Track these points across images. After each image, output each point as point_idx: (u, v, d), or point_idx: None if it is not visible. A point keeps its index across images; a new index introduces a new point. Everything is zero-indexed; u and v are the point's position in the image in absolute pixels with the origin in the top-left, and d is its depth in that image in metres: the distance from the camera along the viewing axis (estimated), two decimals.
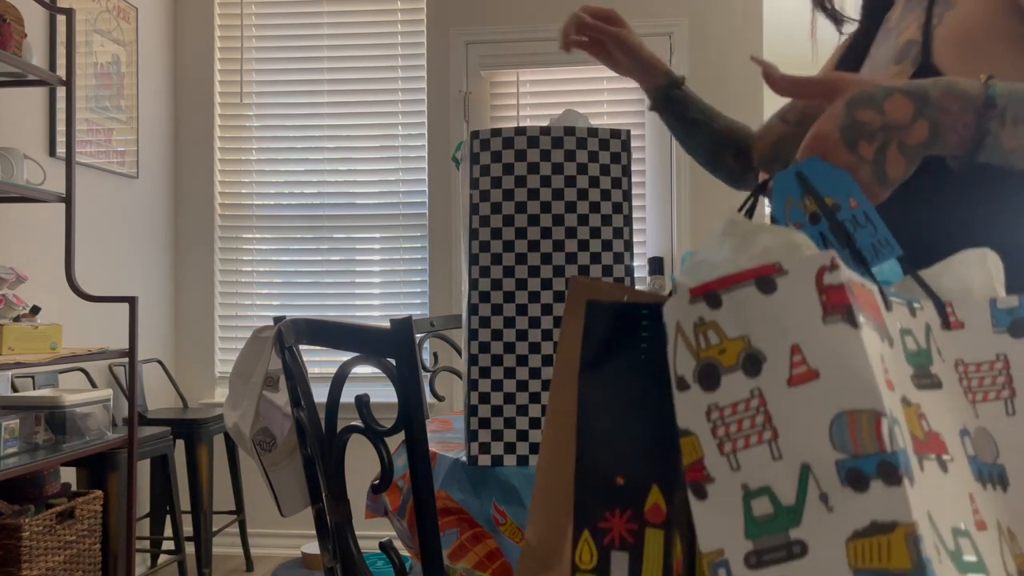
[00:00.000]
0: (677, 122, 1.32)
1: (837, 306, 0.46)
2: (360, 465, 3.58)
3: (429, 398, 2.64)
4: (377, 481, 0.99)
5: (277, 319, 1.23)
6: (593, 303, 0.57)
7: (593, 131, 1.10)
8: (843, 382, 0.45)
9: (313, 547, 3.35)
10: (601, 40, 1.27)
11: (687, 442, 0.49)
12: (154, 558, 3.26)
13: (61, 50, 2.91)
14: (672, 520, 0.54)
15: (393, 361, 0.90)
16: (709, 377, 0.49)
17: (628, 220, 1.10)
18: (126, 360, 3.15)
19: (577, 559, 0.55)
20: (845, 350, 0.45)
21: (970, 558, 0.47)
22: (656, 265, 3.49)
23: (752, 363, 0.47)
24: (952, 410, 0.57)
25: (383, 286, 3.70)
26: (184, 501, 3.59)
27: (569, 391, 0.59)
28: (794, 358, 0.46)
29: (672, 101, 1.31)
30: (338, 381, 0.99)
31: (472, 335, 1.09)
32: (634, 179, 3.54)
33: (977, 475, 0.56)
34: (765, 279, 0.48)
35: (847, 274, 0.48)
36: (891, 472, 0.43)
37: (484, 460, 1.09)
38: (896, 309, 0.55)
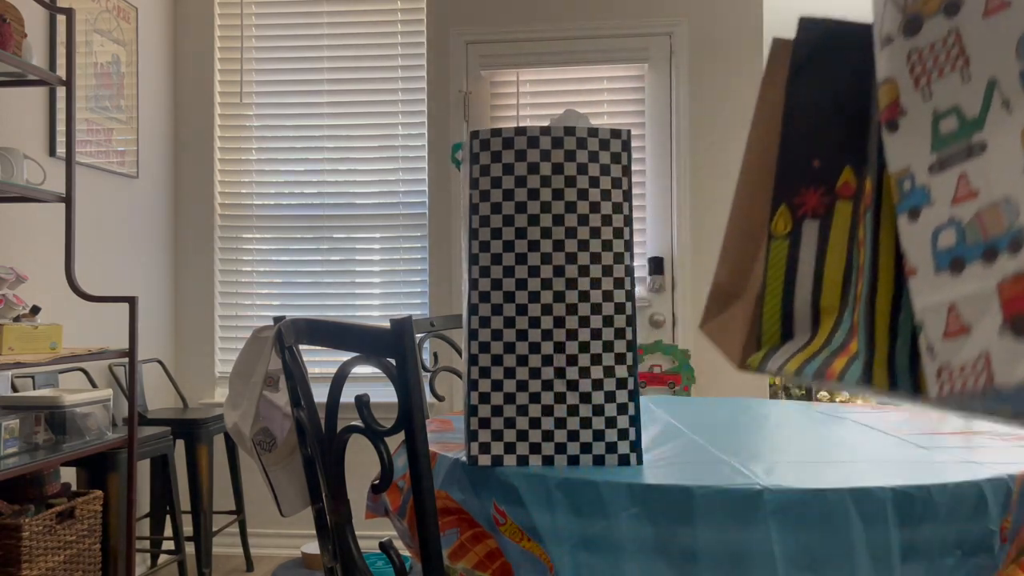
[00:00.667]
0: None
1: None
2: (360, 465, 3.58)
3: (429, 398, 2.64)
4: (377, 481, 0.99)
5: (277, 319, 1.23)
6: (806, 18, 0.68)
7: (593, 131, 1.10)
8: None
9: (313, 547, 3.34)
10: None
11: (885, 89, 0.55)
12: (154, 558, 3.26)
13: (61, 50, 2.91)
14: (859, 191, 0.64)
15: (393, 361, 0.90)
16: (912, 24, 0.55)
17: (628, 220, 1.10)
18: (126, 360, 3.15)
19: (773, 228, 0.66)
20: None
21: None
22: (656, 265, 3.49)
23: (952, 6, 0.52)
24: None
25: (383, 286, 3.70)
26: (184, 501, 3.59)
27: (773, 107, 0.69)
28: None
29: None
30: (338, 381, 0.99)
31: (472, 335, 1.09)
32: (634, 179, 3.54)
33: None
34: None
35: None
36: None
37: (484, 460, 1.09)
38: None
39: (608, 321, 1.09)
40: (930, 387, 0.47)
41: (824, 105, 0.66)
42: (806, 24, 0.68)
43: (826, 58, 0.67)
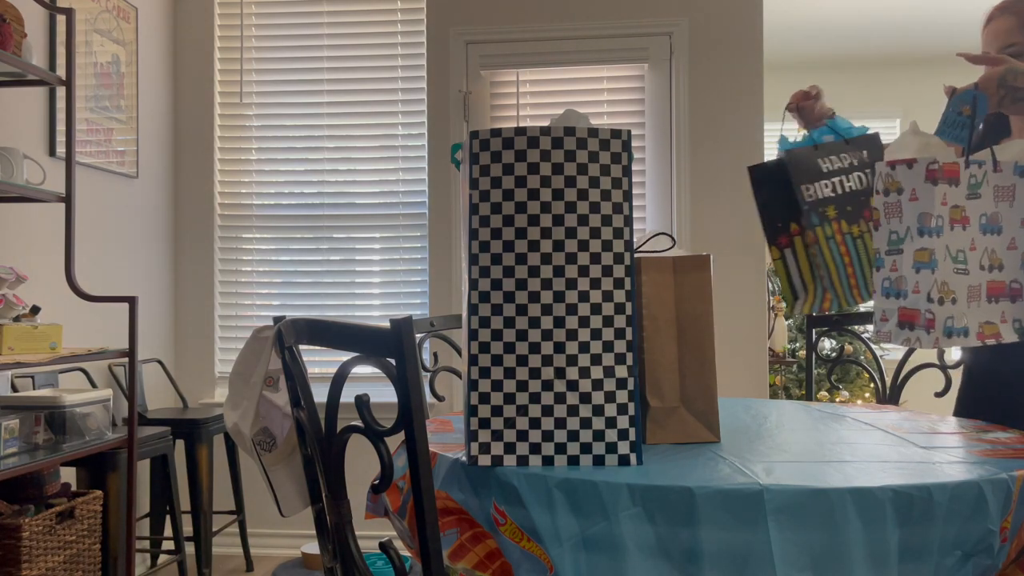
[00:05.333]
0: None
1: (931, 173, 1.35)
2: (360, 465, 3.58)
3: (429, 398, 2.64)
4: (377, 481, 0.99)
5: (277, 319, 1.23)
6: (752, 166, 1.69)
7: (593, 131, 1.10)
8: None
9: (313, 547, 3.34)
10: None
11: (876, 212, 1.46)
12: (154, 558, 3.26)
13: (61, 50, 2.91)
14: (801, 232, 1.67)
15: (393, 361, 0.90)
16: (887, 191, 1.41)
17: (628, 220, 1.10)
18: (126, 360, 3.15)
19: (772, 256, 1.65)
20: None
21: None
22: None
23: (900, 190, 1.36)
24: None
25: (383, 286, 3.70)
26: (184, 501, 3.59)
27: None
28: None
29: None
30: (338, 381, 0.99)
31: (472, 335, 1.09)
32: (634, 179, 3.54)
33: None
34: (910, 162, 1.38)
35: (943, 161, 1.36)
36: None
37: (484, 460, 1.09)
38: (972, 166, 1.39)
39: (608, 321, 1.09)
40: (874, 324, 1.44)
41: (775, 198, 1.61)
42: (752, 168, 1.67)
43: (766, 179, 1.63)
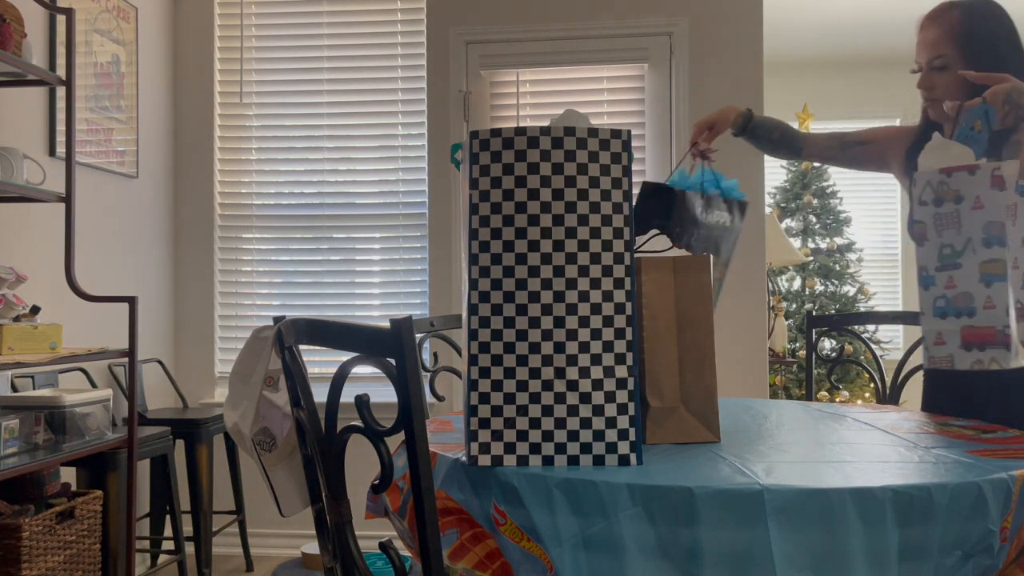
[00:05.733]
0: (759, 142, 2.03)
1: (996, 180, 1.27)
2: (360, 465, 3.58)
3: (429, 398, 2.64)
4: (377, 481, 0.99)
5: (277, 319, 1.23)
6: (645, 182, 1.73)
7: (593, 131, 1.10)
8: None
9: (313, 547, 3.35)
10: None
11: (919, 226, 1.38)
12: (154, 558, 3.26)
13: (61, 50, 2.91)
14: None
15: (393, 361, 0.90)
16: (938, 201, 1.32)
17: (628, 220, 1.10)
18: (126, 360, 3.15)
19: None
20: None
21: None
22: None
23: (958, 198, 1.29)
24: None
25: (383, 286, 3.70)
26: (184, 501, 3.59)
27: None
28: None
29: (750, 130, 2.02)
30: (338, 381, 0.99)
31: (472, 335, 1.09)
32: (634, 179, 3.54)
33: None
34: (971, 167, 1.29)
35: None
36: None
37: (484, 460, 1.09)
38: None
39: (608, 321, 1.09)
40: (926, 349, 1.37)
41: (650, 206, 1.61)
42: (644, 184, 1.67)
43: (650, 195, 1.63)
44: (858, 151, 1.95)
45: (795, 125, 1.80)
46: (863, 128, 1.99)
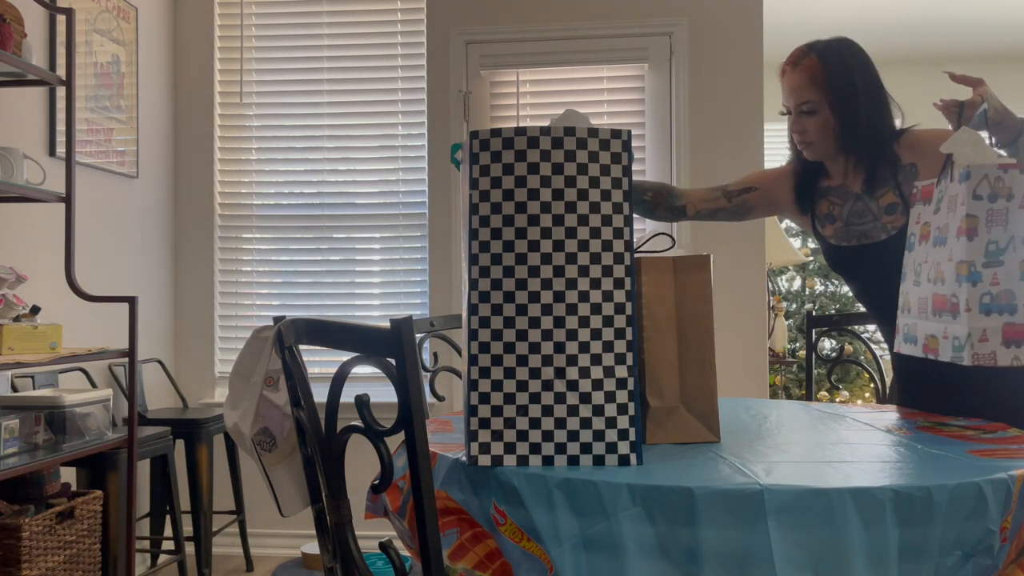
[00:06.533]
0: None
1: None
2: (360, 465, 3.58)
3: (429, 398, 2.64)
4: (377, 481, 0.99)
5: (277, 319, 1.23)
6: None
7: (593, 131, 1.10)
8: None
9: (313, 547, 3.34)
10: None
11: (969, 219, 1.32)
12: (154, 558, 3.26)
13: (61, 50, 2.91)
14: None
15: (393, 361, 0.90)
16: (992, 197, 1.27)
17: (628, 220, 1.10)
18: (126, 360, 3.15)
19: None
20: None
21: None
22: None
23: (1010, 196, 1.29)
24: None
25: (383, 286, 3.70)
26: (184, 501, 3.58)
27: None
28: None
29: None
30: (338, 381, 0.99)
31: (472, 335, 1.09)
32: (634, 179, 3.54)
33: None
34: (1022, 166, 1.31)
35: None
36: None
37: (484, 460, 1.09)
38: None
39: (608, 321, 1.09)
40: (969, 347, 1.29)
41: None
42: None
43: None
44: (745, 198, 1.96)
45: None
46: (739, 178, 2.02)
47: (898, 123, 1.82)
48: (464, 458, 1.13)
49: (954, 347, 1.32)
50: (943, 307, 1.35)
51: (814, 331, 2.35)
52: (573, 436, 1.09)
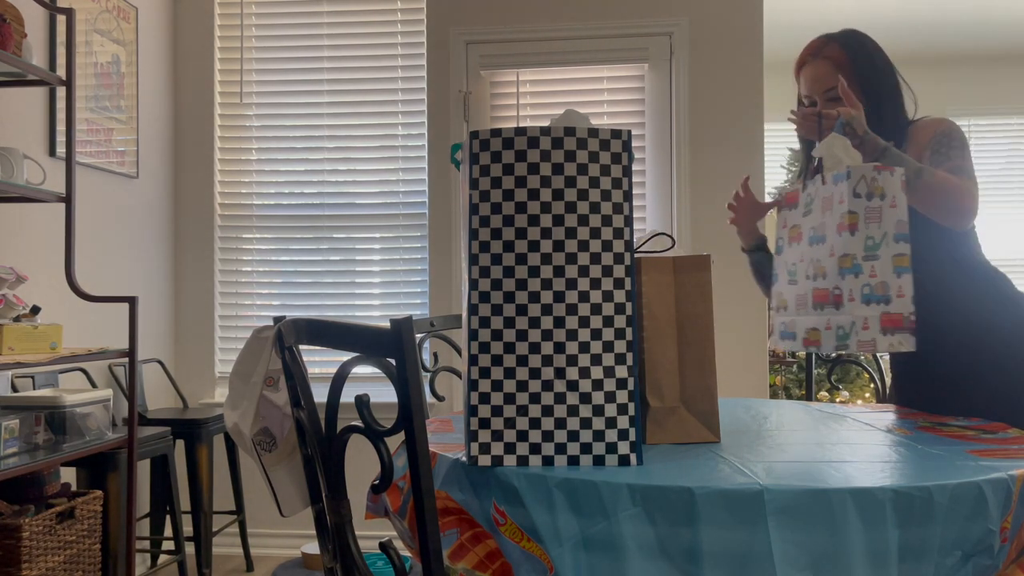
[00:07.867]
0: (758, 267, 1.96)
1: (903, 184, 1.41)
2: (360, 465, 3.58)
3: (429, 398, 2.64)
4: (377, 481, 0.99)
5: (277, 319, 1.23)
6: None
7: (594, 131, 1.10)
8: None
9: (313, 547, 3.35)
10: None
11: (850, 216, 1.38)
12: (154, 558, 3.26)
13: (61, 50, 2.91)
14: None
15: (393, 361, 0.90)
16: (870, 196, 1.38)
17: (628, 220, 1.10)
18: (126, 360, 3.15)
19: None
20: None
21: None
22: None
23: (883, 195, 1.39)
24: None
25: (383, 286, 3.70)
26: (184, 501, 3.59)
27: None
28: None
29: (758, 251, 1.94)
30: (338, 381, 0.99)
31: (472, 335, 1.09)
32: (634, 179, 3.54)
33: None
34: (892, 168, 1.39)
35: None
36: None
37: (484, 460, 1.09)
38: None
39: (608, 321, 1.09)
40: (853, 334, 1.36)
41: None
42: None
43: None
44: None
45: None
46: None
47: (910, 112, 1.83)
48: (464, 458, 1.13)
49: (838, 336, 1.41)
50: (825, 300, 1.44)
51: None
52: (573, 436, 1.09)
